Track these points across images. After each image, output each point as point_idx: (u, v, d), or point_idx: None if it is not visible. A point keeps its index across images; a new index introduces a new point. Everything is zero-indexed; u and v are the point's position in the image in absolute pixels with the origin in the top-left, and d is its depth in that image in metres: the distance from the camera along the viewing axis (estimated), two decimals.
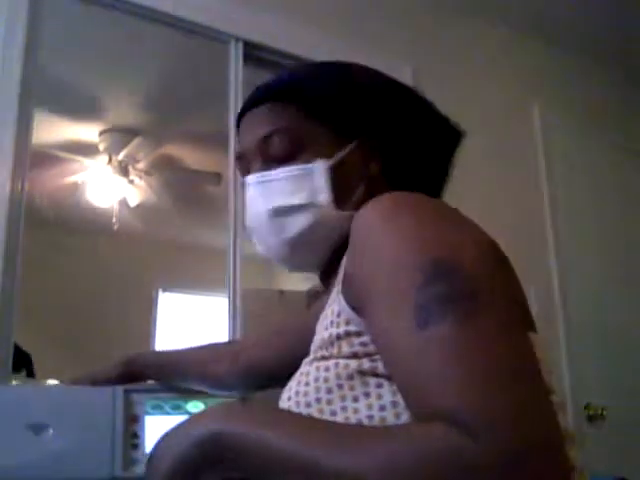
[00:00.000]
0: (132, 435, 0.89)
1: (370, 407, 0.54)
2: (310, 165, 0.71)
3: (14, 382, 1.17)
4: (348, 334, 0.58)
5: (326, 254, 0.73)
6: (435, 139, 0.79)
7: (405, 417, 0.52)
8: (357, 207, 0.63)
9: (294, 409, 0.59)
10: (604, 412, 2.40)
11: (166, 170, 3.74)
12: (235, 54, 1.85)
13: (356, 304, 0.58)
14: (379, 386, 0.55)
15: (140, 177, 3.69)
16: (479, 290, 0.49)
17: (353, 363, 0.56)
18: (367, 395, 0.55)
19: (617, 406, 2.42)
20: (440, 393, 0.45)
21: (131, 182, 3.67)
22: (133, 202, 3.76)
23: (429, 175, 0.79)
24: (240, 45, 1.86)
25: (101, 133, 3.36)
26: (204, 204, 4.14)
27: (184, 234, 4.67)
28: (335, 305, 0.61)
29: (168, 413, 0.95)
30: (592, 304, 2.58)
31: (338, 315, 0.60)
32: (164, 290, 5.11)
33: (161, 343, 4.90)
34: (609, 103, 2.98)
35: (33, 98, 1.46)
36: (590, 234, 2.70)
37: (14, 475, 0.83)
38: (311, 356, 0.62)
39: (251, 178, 0.74)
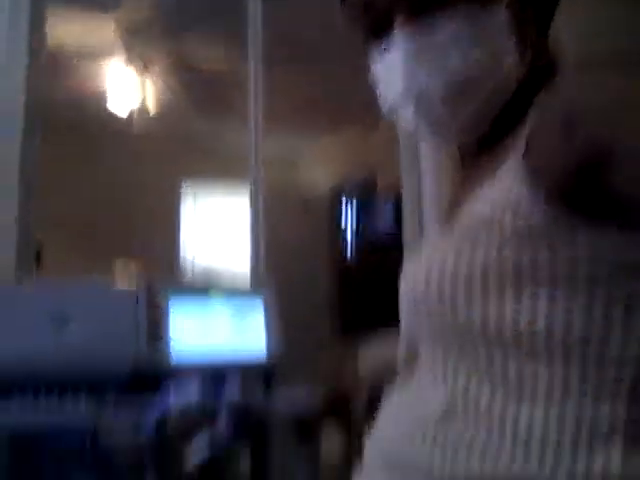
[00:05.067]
0: (155, 326, 0.89)
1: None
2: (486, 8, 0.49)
3: None
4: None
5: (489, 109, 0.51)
6: None
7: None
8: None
9: (446, 284, 0.46)
10: None
11: (185, 72, 3.65)
12: None
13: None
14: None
15: (159, 78, 3.61)
16: None
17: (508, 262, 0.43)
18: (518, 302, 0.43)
19: None
20: None
21: (150, 84, 3.60)
22: (152, 105, 3.71)
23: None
24: None
25: (118, 33, 3.26)
26: (225, 106, 4.06)
27: (205, 137, 4.63)
28: (508, 177, 0.45)
29: (192, 303, 0.95)
30: None
31: (509, 190, 0.44)
32: (187, 192, 5.13)
33: (186, 241, 4.96)
34: None
35: None
36: None
37: (37, 366, 0.84)
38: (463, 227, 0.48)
39: (400, 36, 0.51)
